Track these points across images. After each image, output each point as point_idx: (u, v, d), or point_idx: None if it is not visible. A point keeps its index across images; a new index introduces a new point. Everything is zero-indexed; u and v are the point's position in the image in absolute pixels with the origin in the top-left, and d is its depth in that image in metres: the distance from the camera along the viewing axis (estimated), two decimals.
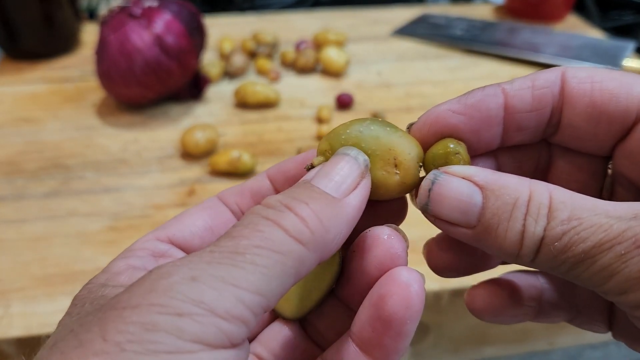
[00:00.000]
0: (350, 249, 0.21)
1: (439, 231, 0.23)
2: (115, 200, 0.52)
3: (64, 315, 0.18)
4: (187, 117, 0.64)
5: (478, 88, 0.21)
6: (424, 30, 0.85)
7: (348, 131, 0.21)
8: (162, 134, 0.61)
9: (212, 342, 0.14)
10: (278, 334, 0.22)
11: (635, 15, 1.03)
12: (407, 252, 0.20)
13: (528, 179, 0.19)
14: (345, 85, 0.71)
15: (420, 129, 0.22)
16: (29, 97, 0.68)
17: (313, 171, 0.20)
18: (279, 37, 0.79)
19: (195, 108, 0.66)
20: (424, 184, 0.20)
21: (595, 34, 0.85)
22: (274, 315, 0.23)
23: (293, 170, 0.23)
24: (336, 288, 0.22)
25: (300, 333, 0.22)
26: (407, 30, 0.85)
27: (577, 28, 0.87)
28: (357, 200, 0.19)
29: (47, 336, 0.17)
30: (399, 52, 0.80)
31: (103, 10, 0.93)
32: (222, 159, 0.54)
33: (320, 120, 0.63)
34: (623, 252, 0.16)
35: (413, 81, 0.72)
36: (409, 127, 0.22)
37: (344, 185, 0.19)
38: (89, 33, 0.81)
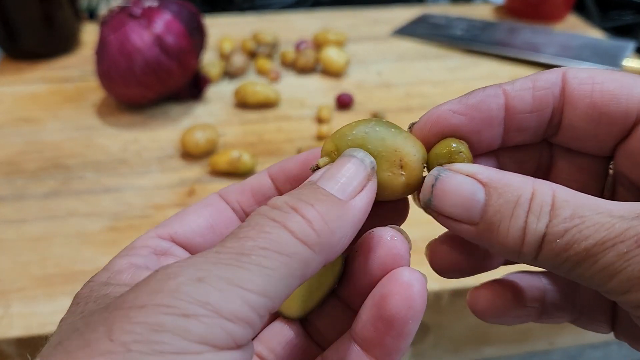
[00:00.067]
0: (353, 249, 0.21)
1: (441, 232, 0.23)
2: (115, 201, 0.52)
3: (66, 314, 0.18)
4: (187, 117, 0.64)
5: (479, 89, 0.21)
6: (424, 30, 0.85)
7: (354, 132, 0.21)
8: (162, 134, 0.61)
9: (218, 343, 0.14)
10: (279, 333, 0.22)
11: (635, 15, 1.03)
12: (409, 253, 0.20)
13: (532, 177, 0.19)
14: (345, 85, 0.71)
15: (422, 129, 0.22)
16: (29, 97, 0.68)
17: (319, 172, 0.20)
18: (279, 37, 0.79)
19: (195, 108, 0.66)
20: (428, 180, 0.20)
21: (595, 34, 0.85)
22: (275, 315, 0.23)
23: (295, 169, 0.23)
24: (338, 288, 0.22)
25: (301, 332, 0.22)
26: (407, 30, 0.85)
27: (577, 28, 0.87)
28: (363, 203, 0.19)
29: (48, 336, 0.17)
30: (399, 52, 0.80)
31: (103, 10, 0.93)
32: (222, 159, 0.54)
33: (320, 121, 0.63)
34: (625, 250, 0.16)
35: (413, 81, 0.72)
36: (411, 126, 0.22)
37: (350, 187, 0.19)
38: (89, 33, 0.81)
